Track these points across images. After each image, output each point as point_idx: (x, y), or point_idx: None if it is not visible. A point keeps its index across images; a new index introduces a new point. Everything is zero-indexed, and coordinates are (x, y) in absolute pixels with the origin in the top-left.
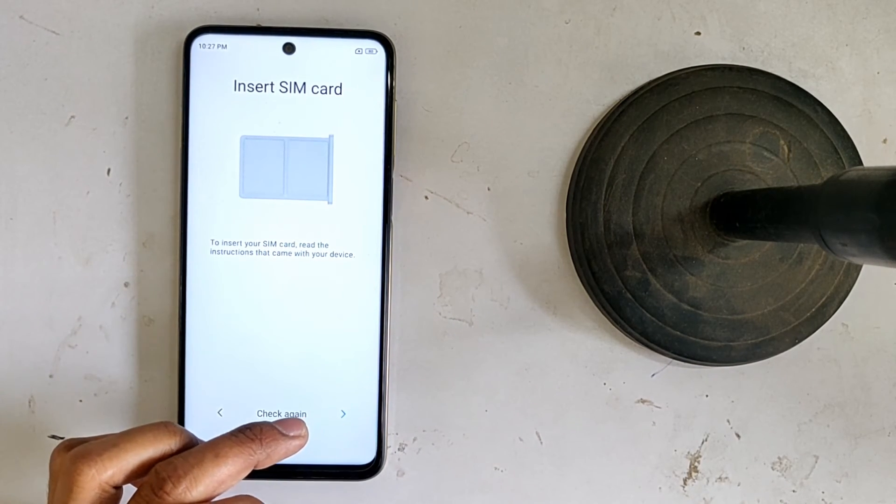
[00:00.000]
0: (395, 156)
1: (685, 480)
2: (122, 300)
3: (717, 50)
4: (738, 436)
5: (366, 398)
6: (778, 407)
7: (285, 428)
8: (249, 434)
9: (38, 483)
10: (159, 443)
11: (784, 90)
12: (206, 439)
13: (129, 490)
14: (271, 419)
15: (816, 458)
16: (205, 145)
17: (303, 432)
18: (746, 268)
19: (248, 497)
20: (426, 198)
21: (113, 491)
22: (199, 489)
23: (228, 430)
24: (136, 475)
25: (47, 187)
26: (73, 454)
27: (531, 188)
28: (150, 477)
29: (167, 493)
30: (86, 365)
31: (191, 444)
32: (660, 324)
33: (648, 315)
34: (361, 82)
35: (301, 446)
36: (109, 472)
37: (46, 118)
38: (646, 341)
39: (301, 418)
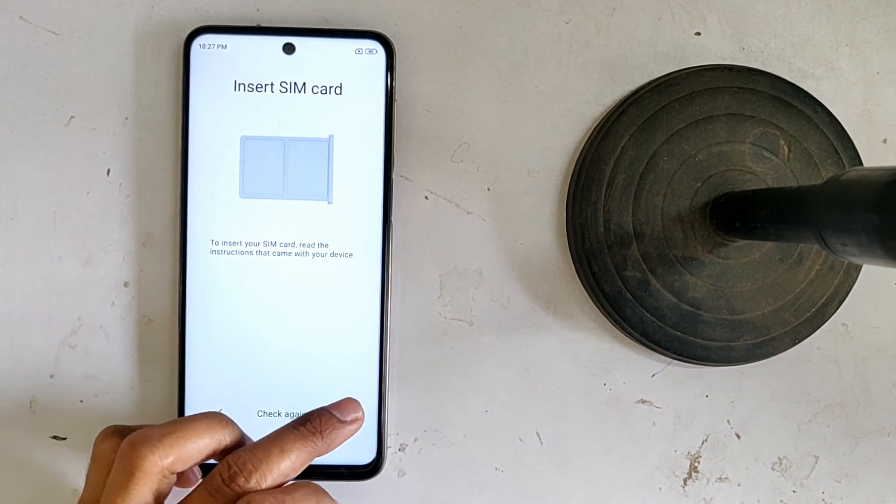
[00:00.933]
0: (395, 156)
1: (685, 481)
2: (122, 300)
3: (717, 50)
4: (738, 436)
5: (366, 398)
6: (778, 407)
7: (342, 413)
8: (311, 427)
9: (41, 484)
10: (214, 432)
11: (784, 90)
12: None
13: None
14: (277, 420)
15: (816, 458)
16: (205, 145)
17: (360, 414)
18: (746, 268)
19: (308, 483)
20: (426, 198)
21: (173, 478)
22: (268, 482)
23: (289, 422)
24: (194, 463)
25: (47, 187)
26: (132, 440)
27: (531, 188)
28: (222, 468)
29: (239, 486)
30: (86, 365)
31: (240, 435)
32: (660, 324)
33: (648, 315)
34: (361, 82)
35: (359, 428)
36: (171, 459)
37: (46, 118)
38: (646, 341)
39: (354, 398)
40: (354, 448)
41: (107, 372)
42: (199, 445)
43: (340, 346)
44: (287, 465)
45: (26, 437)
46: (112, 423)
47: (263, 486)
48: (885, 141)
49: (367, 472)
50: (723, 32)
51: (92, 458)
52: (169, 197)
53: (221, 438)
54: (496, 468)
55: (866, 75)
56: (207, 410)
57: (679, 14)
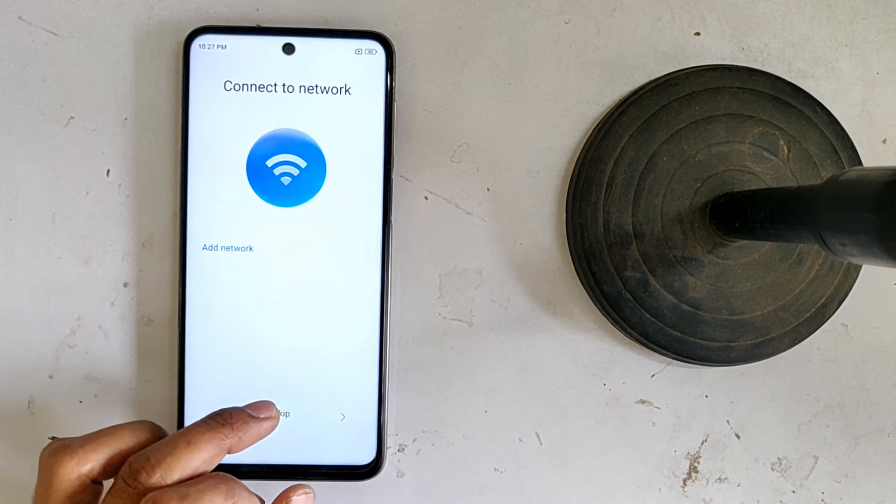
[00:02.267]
0: (394, 156)
1: (685, 481)
2: (122, 300)
3: (716, 50)
4: (737, 436)
5: (365, 399)
6: (778, 407)
7: (255, 411)
8: (220, 420)
9: None
10: (139, 438)
11: (784, 90)
12: None
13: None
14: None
15: (816, 458)
16: (204, 145)
17: (273, 413)
18: (746, 268)
19: (217, 474)
20: (426, 198)
21: (92, 485)
22: (174, 477)
23: (200, 418)
24: (116, 470)
25: (47, 188)
26: (52, 448)
27: (531, 188)
28: (124, 468)
29: (141, 483)
30: (85, 365)
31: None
32: (659, 324)
33: (648, 315)
34: (361, 82)
35: (273, 428)
36: (89, 465)
37: (46, 119)
38: (645, 342)
39: (270, 400)
40: (354, 448)
41: (106, 372)
42: (120, 450)
43: (340, 346)
44: (196, 459)
45: (25, 437)
46: (106, 425)
47: (169, 481)
48: (884, 141)
49: (366, 472)
50: (722, 32)
51: (38, 474)
52: (168, 197)
53: (147, 443)
54: (496, 468)
55: (866, 75)
56: (139, 419)
57: (679, 14)
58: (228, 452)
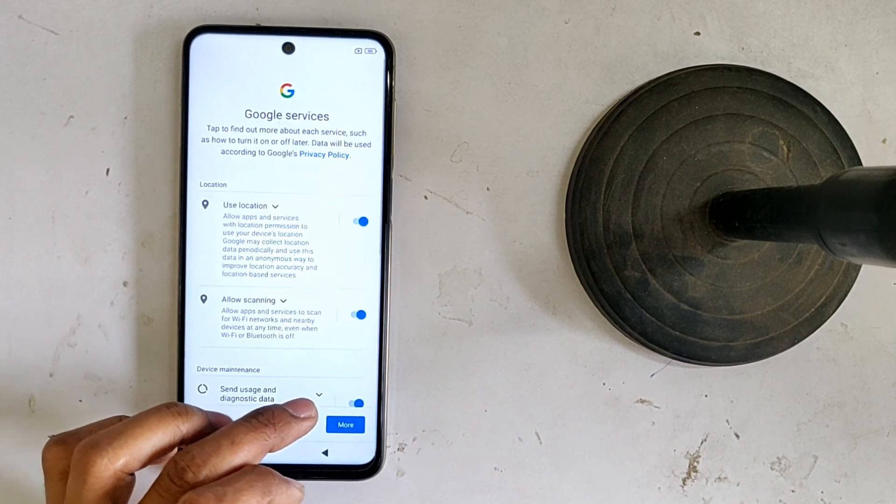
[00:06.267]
0: (394, 156)
1: (684, 480)
2: (121, 299)
3: (716, 50)
4: (737, 436)
5: (365, 398)
6: (777, 407)
7: (296, 410)
8: (263, 419)
9: (39, 483)
10: (167, 425)
11: (783, 90)
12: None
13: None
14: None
15: (815, 458)
16: (204, 145)
17: (313, 413)
18: (745, 268)
19: (255, 467)
20: (426, 198)
21: (128, 478)
22: (220, 475)
23: (241, 416)
24: (149, 460)
25: (46, 187)
26: (82, 446)
27: (531, 188)
28: (169, 467)
29: (187, 483)
30: (85, 364)
31: (202, 421)
32: (659, 324)
33: (648, 315)
34: (361, 82)
35: (312, 427)
36: (122, 461)
37: (45, 118)
38: (645, 341)
39: (309, 398)
40: (354, 448)
41: (106, 371)
42: (151, 442)
43: (340, 346)
44: (240, 459)
45: (25, 436)
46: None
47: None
48: (884, 141)
49: (366, 471)
50: (722, 32)
51: (44, 472)
52: (168, 196)
53: (176, 430)
54: (495, 468)
55: (866, 75)
56: (162, 403)
57: (679, 14)
58: (270, 451)
